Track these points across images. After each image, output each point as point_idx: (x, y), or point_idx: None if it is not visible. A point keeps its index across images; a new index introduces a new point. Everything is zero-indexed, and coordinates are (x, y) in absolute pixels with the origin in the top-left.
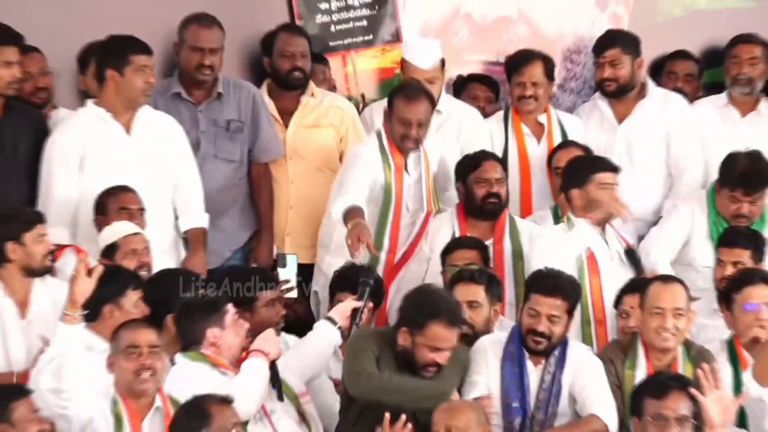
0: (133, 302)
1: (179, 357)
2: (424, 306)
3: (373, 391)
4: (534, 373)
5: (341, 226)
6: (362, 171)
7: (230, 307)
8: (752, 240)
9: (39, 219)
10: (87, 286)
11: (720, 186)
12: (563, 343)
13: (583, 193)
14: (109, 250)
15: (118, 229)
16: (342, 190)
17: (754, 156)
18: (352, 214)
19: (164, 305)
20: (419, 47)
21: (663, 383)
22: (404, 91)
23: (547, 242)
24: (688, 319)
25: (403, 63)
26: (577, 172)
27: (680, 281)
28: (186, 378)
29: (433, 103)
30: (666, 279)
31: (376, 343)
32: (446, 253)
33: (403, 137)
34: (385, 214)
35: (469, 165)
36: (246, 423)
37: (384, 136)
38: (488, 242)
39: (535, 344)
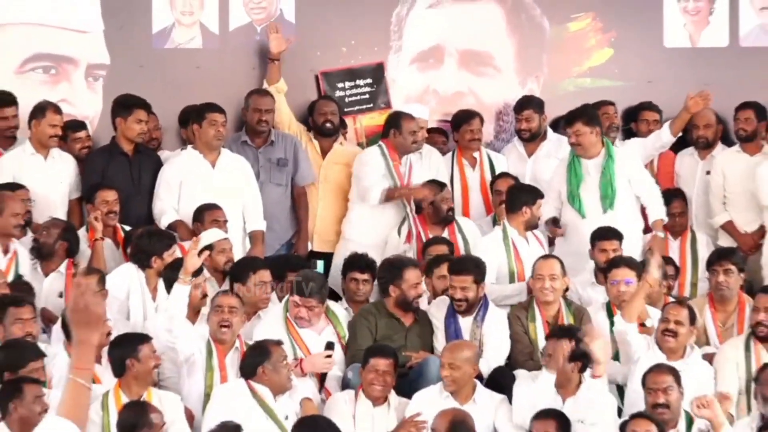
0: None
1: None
2: (394, 265)
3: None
4: (464, 323)
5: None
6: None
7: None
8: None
9: (174, 240)
10: (196, 262)
11: None
12: (485, 304)
13: (529, 210)
14: (206, 248)
15: (213, 235)
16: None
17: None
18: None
19: None
20: (420, 108)
21: (551, 332)
22: (406, 115)
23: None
24: (563, 282)
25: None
26: (527, 195)
27: (556, 257)
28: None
29: None
30: (546, 257)
31: (372, 316)
32: (426, 246)
33: (414, 141)
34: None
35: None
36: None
37: (386, 148)
38: (444, 235)
39: (458, 307)
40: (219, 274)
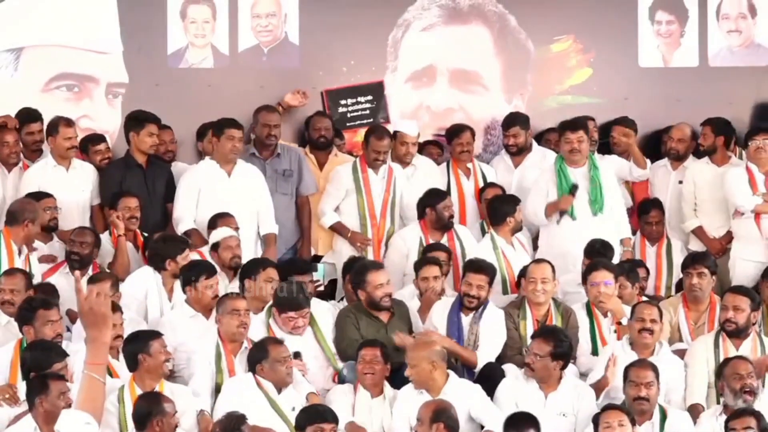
0: (204, 285)
1: None
2: (358, 271)
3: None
4: (465, 320)
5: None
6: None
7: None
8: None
9: (187, 244)
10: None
11: (558, 138)
12: (485, 304)
13: (513, 219)
14: (215, 246)
15: (220, 233)
16: None
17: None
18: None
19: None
20: (409, 124)
21: (536, 333)
22: (376, 132)
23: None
24: (554, 285)
25: (397, 133)
26: (508, 206)
27: (548, 262)
28: None
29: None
30: (538, 261)
31: (352, 314)
32: (426, 251)
33: (375, 159)
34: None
35: (437, 198)
36: None
37: (359, 161)
38: (443, 241)
39: (469, 303)
40: (229, 271)
